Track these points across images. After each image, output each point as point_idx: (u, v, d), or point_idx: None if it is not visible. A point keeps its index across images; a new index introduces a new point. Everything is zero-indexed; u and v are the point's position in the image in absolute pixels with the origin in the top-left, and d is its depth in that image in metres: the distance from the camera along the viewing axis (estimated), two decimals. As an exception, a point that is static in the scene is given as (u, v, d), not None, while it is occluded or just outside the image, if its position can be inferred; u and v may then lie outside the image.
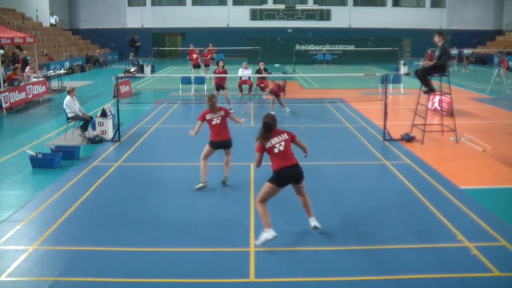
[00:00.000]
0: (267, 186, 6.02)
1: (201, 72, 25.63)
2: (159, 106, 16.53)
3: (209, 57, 27.01)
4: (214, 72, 15.30)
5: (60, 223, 6.72)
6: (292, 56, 30.07)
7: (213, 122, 7.94)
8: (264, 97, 19.04)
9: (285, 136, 6.16)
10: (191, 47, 30.75)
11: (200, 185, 8.06)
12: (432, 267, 5.49)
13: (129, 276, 5.31)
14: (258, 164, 6.14)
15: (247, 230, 6.47)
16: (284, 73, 27.24)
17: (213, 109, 7.96)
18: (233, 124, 8.37)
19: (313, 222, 6.27)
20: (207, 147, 8.06)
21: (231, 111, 14.32)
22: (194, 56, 25.38)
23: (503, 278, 5.26)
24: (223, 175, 8.36)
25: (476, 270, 5.40)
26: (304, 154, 6.38)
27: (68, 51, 32.35)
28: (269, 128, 6.07)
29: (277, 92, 14.96)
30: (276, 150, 6.04)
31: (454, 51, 31.20)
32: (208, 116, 7.92)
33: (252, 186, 8.25)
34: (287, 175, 6.01)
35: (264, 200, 6.05)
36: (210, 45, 30.05)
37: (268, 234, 5.89)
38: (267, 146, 6.05)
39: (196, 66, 25.40)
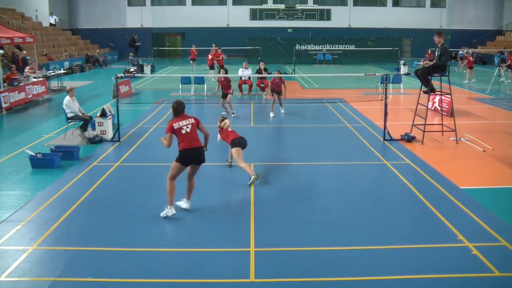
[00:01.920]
0: (173, 164, 6.84)
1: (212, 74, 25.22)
2: (159, 106, 16.53)
3: (221, 57, 25.74)
4: (218, 80, 15.14)
5: (60, 223, 6.72)
6: (292, 56, 30.06)
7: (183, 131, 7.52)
8: (264, 97, 19.03)
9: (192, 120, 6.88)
10: (193, 48, 30.79)
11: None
12: (432, 267, 5.48)
13: (129, 276, 5.31)
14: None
15: (247, 230, 6.46)
16: (284, 73, 27.24)
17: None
18: (233, 124, 8.36)
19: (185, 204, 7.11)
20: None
21: (234, 115, 14.33)
22: (210, 56, 24.86)
23: (503, 278, 5.26)
24: (217, 174, 8.35)
25: (476, 270, 5.39)
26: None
27: (68, 51, 32.35)
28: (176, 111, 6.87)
29: (277, 88, 14.79)
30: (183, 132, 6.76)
31: (462, 51, 31.15)
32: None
33: (252, 186, 8.25)
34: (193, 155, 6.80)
35: (173, 177, 6.86)
36: (214, 45, 29.95)
37: (169, 211, 6.81)
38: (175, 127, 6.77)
39: (211, 67, 24.80)
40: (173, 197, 6.89)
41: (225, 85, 14.71)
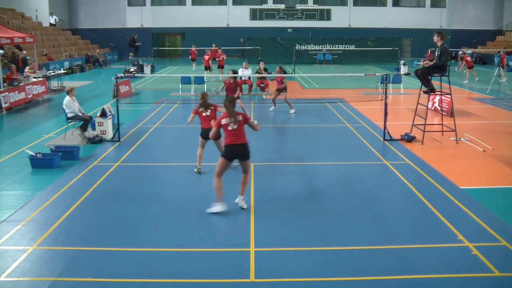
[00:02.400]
0: (219, 160, 7.02)
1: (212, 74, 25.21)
2: (159, 106, 16.53)
3: (221, 58, 25.55)
4: (225, 83, 14.88)
5: (60, 223, 6.72)
6: (292, 56, 30.07)
7: (204, 114, 8.64)
8: (264, 97, 19.04)
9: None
10: (193, 48, 30.80)
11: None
12: (432, 267, 5.48)
13: (129, 276, 5.31)
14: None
15: (247, 230, 6.46)
16: (284, 72, 27.22)
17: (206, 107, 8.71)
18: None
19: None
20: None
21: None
22: (206, 57, 24.79)
23: (503, 278, 5.26)
24: (223, 175, 8.34)
25: (476, 270, 5.39)
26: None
27: (68, 51, 32.35)
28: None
29: (278, 85, 15.23)
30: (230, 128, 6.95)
31: (467, 51, 31.14)
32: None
33: (252, 186, 8.25)
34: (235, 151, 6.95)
35: (218, 173, 6.98)
36: (214, 45, 29.94)
37: (216, 208, 6.92)
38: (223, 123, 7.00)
39: (208, 68, 24.79)
40: (220, 194, 6.94)
41: (233, 88, 14.42)
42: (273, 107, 15.69)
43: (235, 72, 16.18)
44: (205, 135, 8.57)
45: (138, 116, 14.68)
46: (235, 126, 6.91)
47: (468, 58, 25.47)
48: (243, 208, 7.13)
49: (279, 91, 15.29)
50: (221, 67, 25.54)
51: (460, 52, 32.15)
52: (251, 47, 34.26)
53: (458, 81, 23.70)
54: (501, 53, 25.99)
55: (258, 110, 16.28)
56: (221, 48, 27.45)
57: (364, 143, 11.34)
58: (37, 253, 5.84)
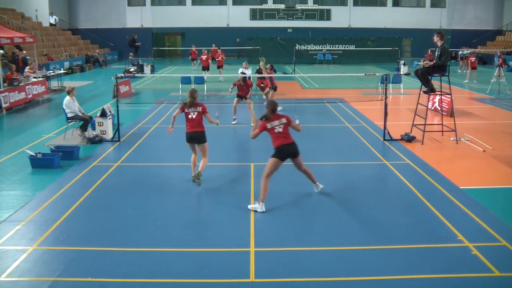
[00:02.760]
0: (270, 160, 7.17)
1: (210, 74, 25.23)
2: (159, 106, 16.53)
3: (220, 58, 25.61)
4: (234, 84, 14.63)
5: (60, 223, 6.72)
6: (292, 56, 30.06)
7: (189, 116, 8.18)
8: (264, 97, 19.02)
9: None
10: (193, 48, 30.81)
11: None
12: (432, 267, 5.48)
13: (129, 276, 5.31)
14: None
15: (247, 230, 6.46)
16: (284, 73, 27.25)
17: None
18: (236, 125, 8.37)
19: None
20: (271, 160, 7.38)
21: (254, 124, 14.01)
22: (204, 57, 24.75)
23: (503, 278, 5.26)
24: (216, 175, 8.34)
25: (476, 270, 5.39)
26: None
27: (68, 51, 32.35)
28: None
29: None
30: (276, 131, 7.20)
31: (467, 51, 31.18)
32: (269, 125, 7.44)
33: (252, 185, 8.25)
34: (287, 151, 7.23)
35: (268, 173, 7.15)
36: (214, 45, 30.00)
37: (259, 207, 7.07)
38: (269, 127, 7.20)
39: (206, 68, 24.74)
40: (265, 195, 7.11)
41: (244, 88, 14.00)
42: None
43: (244, 73, 15.78)
44: (189, 138, 8.24)
45: (138, 116, 14.68)
46: (280, 129, 7.20)
47: (473, 59, 25.46)
48: (321, 188, 7.80)
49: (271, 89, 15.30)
50: (220, 67, 25.55)
51: (462, 53, 32.11)
52: (251, 47, 34.26)
53: (458, 81, 23.70)
54: (498, 53, 26.07)
55: (258, 110, 16.26)
56: (221, 48, 27.46)
57: (364, 143, 11.33)
58: (37, 253, 5.84)
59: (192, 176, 8.39)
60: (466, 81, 23.99)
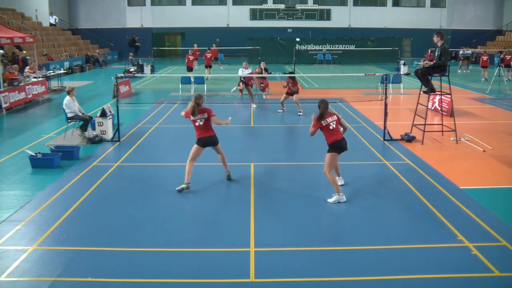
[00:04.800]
0: (328, 156, 7.64)
1: (208, 73, 25.40)
2: (159, 106, 16.53)
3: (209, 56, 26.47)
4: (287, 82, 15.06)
5: (60, 223, 6.72)
6: (292, 56, 30.06)
7: (197, 124, 8.03)
8: (264, 97, 19.03)
9: (335, 117, 7.76)
10: (195, 47, 30.87)
11: (183, 186, 8.00)
12: (432, 267, 5.48)
13: (129, 276, 5.31)
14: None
15: (247, 230, 6.46)
16: (284, 73, 27.26)
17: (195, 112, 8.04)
18: (234, 124, 8.36)
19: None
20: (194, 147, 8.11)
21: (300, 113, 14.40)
22: (190, 58, 24.81)
23: (503, 278, 5.26)
24: (216, 175, 8.34)
25: (476, 270, 5.40)
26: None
27: (68, 51, 32.35)
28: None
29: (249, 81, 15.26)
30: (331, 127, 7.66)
31: (467, 51, 31.29)
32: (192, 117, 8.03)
33: (252, 186, 8.25)
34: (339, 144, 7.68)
35: (331, 168, 7.63)
36: (214, 45, 30.23)
37: (341, 197, 7.53)
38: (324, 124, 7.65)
39: (191, 68, 24.87)
40: (337, 184, 7.60)
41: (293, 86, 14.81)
42: (281, 109, 15.47)
43: (292, 74, 16.32)
44: (203, 143, 8.09)
45: (138, 116, 14.68)
46: (334, 125, 7.66)
47: (485, 58, 25.88)
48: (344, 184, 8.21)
49: (289, 94, 15.05)
50: (208, 66, 26.22)
51: (463, 52, 32.12)
52: (251, 47, 34.26)
53: (458, 81, 23.71)
54: (501, 54, 26.17)
55: (258, 110, 16.27)
56: (220, 48, 27.61)
57: (364, 143, 11.33)
58: (37, 253, 5.84)
59: (186, 184, 8.03)
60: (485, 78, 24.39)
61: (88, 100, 17.87)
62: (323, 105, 7.71)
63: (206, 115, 8.02)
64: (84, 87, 22.30)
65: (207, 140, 8.11)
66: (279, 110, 15.37)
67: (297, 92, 14.99)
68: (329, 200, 7.50)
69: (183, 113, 8.23)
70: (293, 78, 15.09)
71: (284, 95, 15.22)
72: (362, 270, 5.43)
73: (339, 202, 7.46)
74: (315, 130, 7.72)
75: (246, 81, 16.73)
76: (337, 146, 7.66)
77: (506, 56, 23.81)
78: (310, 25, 40.95)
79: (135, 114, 15.04)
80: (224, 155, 8.49)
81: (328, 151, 7.64)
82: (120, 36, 39.04)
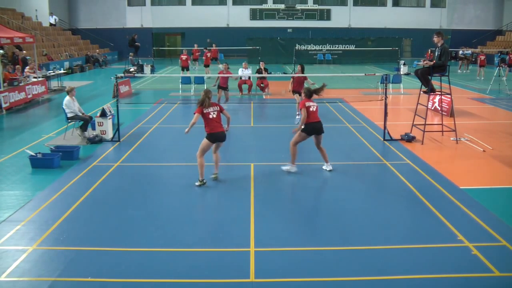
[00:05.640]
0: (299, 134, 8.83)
1: (207, 72, 25.54)
2: (159, 106, 16.53)
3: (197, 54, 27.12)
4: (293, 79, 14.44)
5: (60, 223, 6.72)
6: (292, 56, 30.06)
7: (210, 116, 8.19)
8: (264, 97, 19.04)
9: None
10: (195, 47, 30.91)
11: (199, 183, 8.22)
12: (432, 267, 5.48)
13: (129, 276, 5.31)
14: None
15: (247, 230, 6.46)
16: (284, 73, 27.26)
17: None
18: (232, 124, 8.37)
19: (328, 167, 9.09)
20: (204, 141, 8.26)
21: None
22: (184, 57, 24.86)
23: (503, 278, 5.26)
24: (223, 175, 8.34)
25: (476, 270, 5.39)
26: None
27: (68, 51, 32.35)
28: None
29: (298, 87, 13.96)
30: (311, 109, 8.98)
31: (467, 51, 31.44)
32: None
33: (252, 186, 8.25)
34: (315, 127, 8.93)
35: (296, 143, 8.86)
36: (214, 45, 30.28)
37: (291, 168, 8.87)
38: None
39: (185, 68, 25.01)
40: (295, 157, 8.79)
41: (300, 81, 14.01)
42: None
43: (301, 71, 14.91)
44: (216, 138, 8.20)
45: (138, 116, 14.68)
46: (314, 109, 9.08)
47: (482, 57, 26.19)
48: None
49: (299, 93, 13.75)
50: (206, 66, 26.51)
51: (463, 52, 32.18)
52: (251, 47, 34.26)
53: (459, 81, 23.71)
54: (503, 53, 26.33)
55: (258, 110, 16.27)
56: (220, 48, 27.69)
57: (364, 143, 11.34)
58: (37, 253, 5.84)
59: (201, 180, 8.25)
60: (482, 78, 24.74)
61: (88, 100, 17.88)
62: (308, 92, 9.20)
63: (217, 108, 8.28)
64: (84, 87, 22.30)
65: (219, 135, 8.21)
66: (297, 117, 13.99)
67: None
68: (283, 168, 8.89)
69: (192, 121, 8.09)
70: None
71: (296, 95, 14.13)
72: (362, 270, 5.43)
73: (289, 172, 8.78)
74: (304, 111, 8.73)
75: (223, 85, 15.69)
76: (311, 129, 8.85)
77: (511, 56, 23.94)
78: (310, 25, 40.94)
79: (135, 114, 15.04)
80: (220, 157, 8.60)
81: (302, 130, 8.79)
82: (120, 36, 39.01)
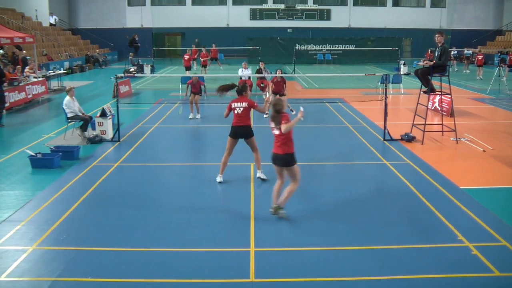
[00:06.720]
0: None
1: (203, 72, 25.61)
2: (159, 106, 16.53)
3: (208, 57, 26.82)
4: (272, 81, 14.71)
5: (60, 223, 6.72)
6: (292, 56, 30.06)
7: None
8: (264, 97, 19.02)
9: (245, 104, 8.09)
10: (193, 47, 30.89)
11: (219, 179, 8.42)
12: (432, 267, 5.49)
13: (129, 276, 5.31)
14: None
15: (247, 230, 6.46)
16: (285, 73, 27.25)
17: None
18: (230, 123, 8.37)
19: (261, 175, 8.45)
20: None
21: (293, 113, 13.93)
22: (186, 57, 25.07)
23: (503, 278, 5.26)
24: (216, 174, 8.38)
25: (476, 270, 5.39)
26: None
27: (68, 51, 32.34)
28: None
29: (278, 89, 14.47)
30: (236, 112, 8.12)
31: (453, 52, 31.48)
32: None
33: (252, 185, 8.25)
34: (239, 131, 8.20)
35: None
36: (213, 45, 30.27)
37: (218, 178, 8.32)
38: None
39: (188, 68, 25.13)
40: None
41: (280, 85, 14.48)
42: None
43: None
44: (234, 132, 8.30)
45: (138, 116, 14.68)
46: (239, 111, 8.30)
47: (480, 57, 26.38)
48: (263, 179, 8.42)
49: (279, 94, 14.11)
50: (204, 66, 26.37)
51: (468, 52, 32.22)
52: (251, 47, 34.26)
53: (459, 81, 23.71)
54: (503, 53, 26.41)
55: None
56: (220, 48, 27.66)
57: (364, 143, 11.34)
58: (37, 253, 5.84)
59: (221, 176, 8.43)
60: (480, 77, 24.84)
61: (88, 100, 17.87)
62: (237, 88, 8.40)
63: (245, 104, 8.22)
64: (84, 87, 22.30)
65: (239, 130, 8.26)
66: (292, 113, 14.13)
67: (284, 95, 14.19)
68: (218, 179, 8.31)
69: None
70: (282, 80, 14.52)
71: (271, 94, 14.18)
72: (362, 270, 5.43)
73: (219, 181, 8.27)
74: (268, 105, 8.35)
75: (195, 91, 14.82)
76: (232, 132, 8.23)
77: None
78: (310, 25, 40.93)
79: (135, 114, 15.04)
80: (259, 154, 8.48)
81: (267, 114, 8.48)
82: (120, 36, 39.01)
